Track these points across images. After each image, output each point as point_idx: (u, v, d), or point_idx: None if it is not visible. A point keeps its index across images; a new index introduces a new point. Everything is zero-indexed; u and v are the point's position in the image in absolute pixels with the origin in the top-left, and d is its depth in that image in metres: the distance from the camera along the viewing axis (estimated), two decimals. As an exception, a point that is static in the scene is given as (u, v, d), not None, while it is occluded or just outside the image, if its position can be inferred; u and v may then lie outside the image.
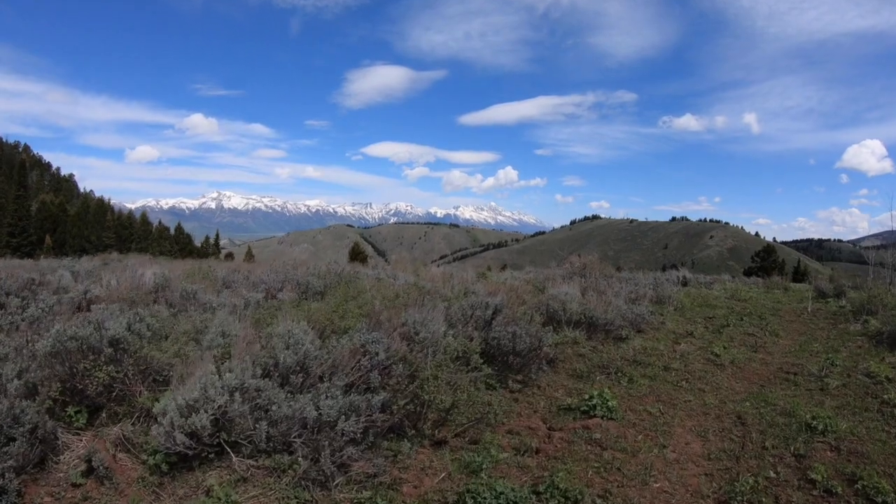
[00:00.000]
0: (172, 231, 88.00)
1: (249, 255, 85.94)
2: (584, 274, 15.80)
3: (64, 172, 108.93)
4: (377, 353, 5.01)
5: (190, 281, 9.69)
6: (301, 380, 4.55)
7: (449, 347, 5.43)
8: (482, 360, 5.74)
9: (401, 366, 5.00)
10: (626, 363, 7.61)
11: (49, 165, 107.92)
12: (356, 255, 68.60)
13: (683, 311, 12.83)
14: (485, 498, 3.84)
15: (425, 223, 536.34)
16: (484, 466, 4.40)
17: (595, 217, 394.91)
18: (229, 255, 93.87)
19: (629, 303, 10.82)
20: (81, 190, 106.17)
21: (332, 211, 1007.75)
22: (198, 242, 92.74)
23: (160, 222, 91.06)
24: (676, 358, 7.96)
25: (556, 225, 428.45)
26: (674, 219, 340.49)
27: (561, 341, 8.05)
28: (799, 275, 62.10)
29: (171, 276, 9.36)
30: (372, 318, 5.89)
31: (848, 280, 22.49)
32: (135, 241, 75.97)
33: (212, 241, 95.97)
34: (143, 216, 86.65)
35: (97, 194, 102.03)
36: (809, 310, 14.11)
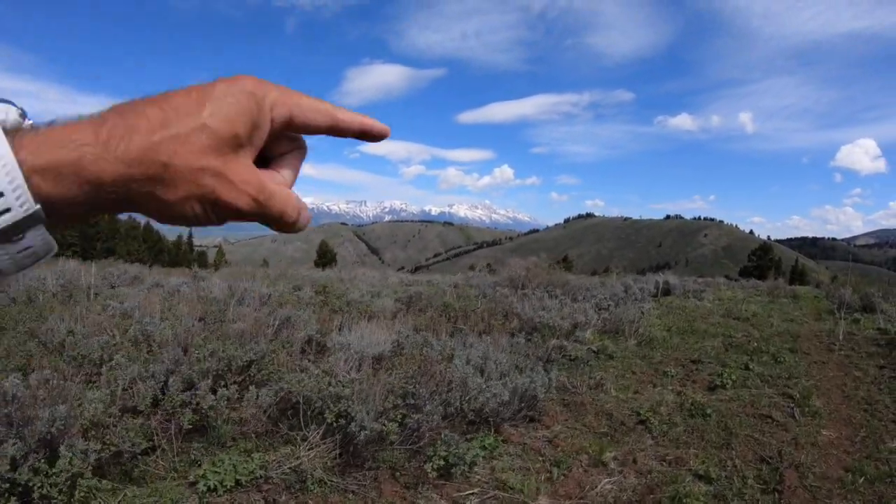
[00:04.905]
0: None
1: (221, 256, 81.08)
2: (518, 284, 11.02)
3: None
4: None
5: None
6: None
7: None
8: None
9: None
10: None
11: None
12: (323, 255, 63.90)
13: (652, 345, 8.05)
14: None
15: (419, 221, 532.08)
16: None
17: (589, 215, 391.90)
18: (201, 255, 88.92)
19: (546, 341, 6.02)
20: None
21: (326, 209, 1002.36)
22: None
23: (130, 217, 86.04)
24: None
25: (551, 223, 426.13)
26: (668, 217, 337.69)
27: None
28: (797, 275, 57.92)
29: None
30: None
31: (868, 285, 17.94)
32: (101, 240, 71.46)
33: (185, 239, 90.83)
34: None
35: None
36: (841, 337, 9.40)
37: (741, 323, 10.64)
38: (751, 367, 7.00)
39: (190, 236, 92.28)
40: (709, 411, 5.16)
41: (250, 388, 4.39)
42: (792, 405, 5.60)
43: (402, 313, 8.38)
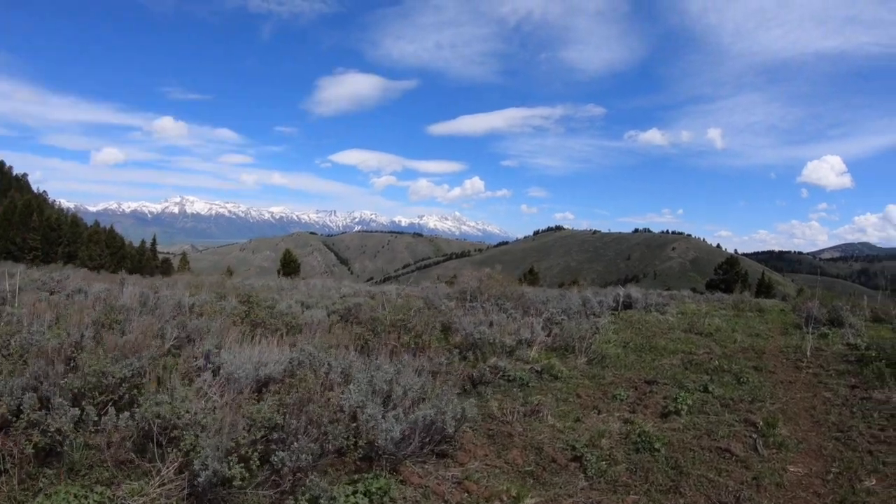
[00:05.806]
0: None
1: (185, 263, 78.72)
2: (467, 297, 10.25)
3: (17, 172, 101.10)
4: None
5: None
6: None
7: None
8: None
9: None
10: None
11: (1, 164, 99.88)
12: (287, 265, 62.28)
13: (604, 364, 7.34)
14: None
15: (389, 232, 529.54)
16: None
17: (558, 228, 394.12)
18: (166, 262, 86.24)
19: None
20: (36, 190, 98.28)
21: (295, 218, 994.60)
22: (159, 248, 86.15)
23: (96, 222, 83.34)
24: None
25: (520, 235, 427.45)
26: (636, 230, 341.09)
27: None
28: (763, 287, 58.17)
29: None
30: None
31: (834, 298, 17.55)
32: (63, 245, 69.11)
33: (148, 245, 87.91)
34: (74, 217, 78.73)
35: (55, 196, 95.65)
36: (809, 353, 8.81)
37: (703, 338, 10.02)
38: (710, 388, 6.31)
39: (154, 242, 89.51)
40: (658, 445, 4.39)
41: (109, 410, 3.62)
42: (754, 434, 4.90)
43: (334, 326, 7.57)
